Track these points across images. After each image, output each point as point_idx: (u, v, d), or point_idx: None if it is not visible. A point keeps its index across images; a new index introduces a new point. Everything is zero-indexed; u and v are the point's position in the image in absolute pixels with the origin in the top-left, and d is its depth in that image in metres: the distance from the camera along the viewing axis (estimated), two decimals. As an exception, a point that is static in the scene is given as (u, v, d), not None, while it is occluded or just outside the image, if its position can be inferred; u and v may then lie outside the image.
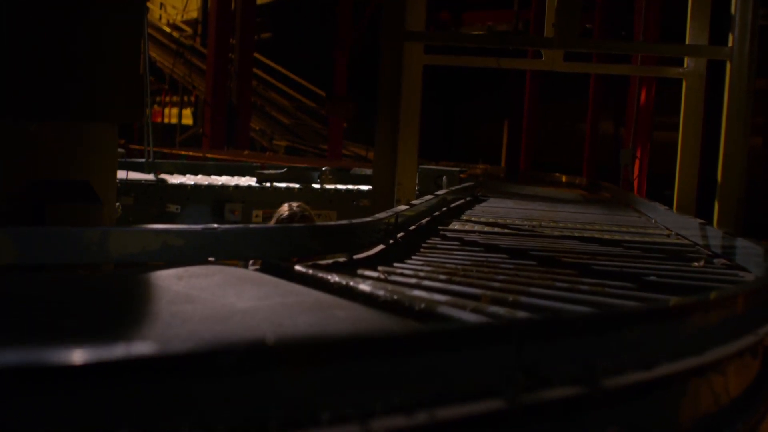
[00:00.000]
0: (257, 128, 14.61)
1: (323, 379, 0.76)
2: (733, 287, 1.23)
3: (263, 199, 4.85)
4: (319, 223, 1.95)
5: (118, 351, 0.60)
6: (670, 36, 5.96)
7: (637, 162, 7.09)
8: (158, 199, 4.52)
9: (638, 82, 7.44)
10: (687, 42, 3.64)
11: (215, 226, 1.67)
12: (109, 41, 3.12)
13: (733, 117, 2.80)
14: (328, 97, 12.99)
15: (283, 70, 15.99)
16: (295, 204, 3.40)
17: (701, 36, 3.53)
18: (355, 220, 2.06)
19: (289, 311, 1.21)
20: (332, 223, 1.94)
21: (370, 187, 4.10)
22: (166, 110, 18.12)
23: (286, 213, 3.32)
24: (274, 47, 16.87)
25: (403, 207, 2.64)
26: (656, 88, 8.84)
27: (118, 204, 3.91)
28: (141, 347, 0.61)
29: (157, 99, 17.52)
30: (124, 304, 1.23)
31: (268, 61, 15.92)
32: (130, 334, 1.03)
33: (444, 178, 4.68)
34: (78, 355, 0.59)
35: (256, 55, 14.22)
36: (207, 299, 1.25)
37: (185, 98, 16.96)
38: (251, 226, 1.69)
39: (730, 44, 2.88)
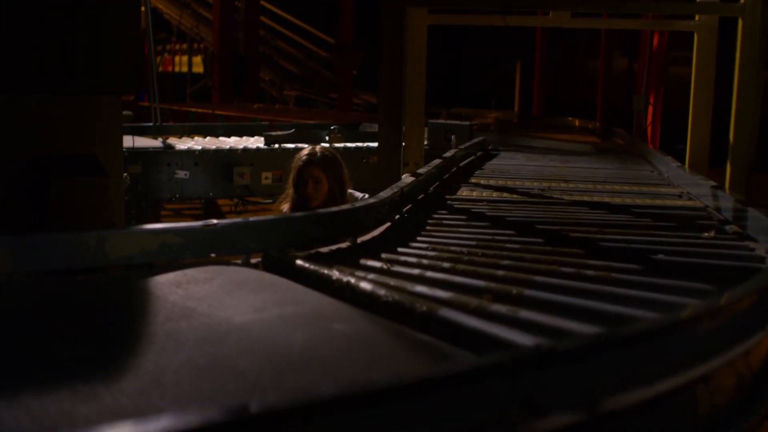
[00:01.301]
0: (267, 78, 14.48)
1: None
2: (726, 294, 1.21)
3: (272, 162, 4.82)
4: (322, 210, 1.94)
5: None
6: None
7: (650, 108, 6.99)
8: (166, 166, 4.50)
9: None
10: (698, -2, 3.55)
11: (215, 221, 1.66)
12: (107, 10, 3.06)
13: (745, 77, 2.73)
14: (335, 46, 12.81)
15: (291, 18, 15.75)
16: (317, 147, 3.31)
17: (713, -9, 3.44)
18: (358, 204, 2.03)
19: (285, 326, 1.20)
20: (335, 209, 1.92)
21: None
22: (177, 58, 17.95)
23: (305, 155, 3.22)
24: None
25: (408, 180, 2.61)
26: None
27: (126, 174, 3.90)
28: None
29: (167, 47, 17.35)
30: (121, 323, 1.22)
31: (275, 9, 15.68)
32: (125, 365, 1.03)
33: (453, 136, 4.63)
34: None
35: (262, 2, 14.02)
36: (204, 313, 1.25)
37: (195, 45, 16.75)
38: (251, 219, 1.68)
39: (741, 0, 2.80)
